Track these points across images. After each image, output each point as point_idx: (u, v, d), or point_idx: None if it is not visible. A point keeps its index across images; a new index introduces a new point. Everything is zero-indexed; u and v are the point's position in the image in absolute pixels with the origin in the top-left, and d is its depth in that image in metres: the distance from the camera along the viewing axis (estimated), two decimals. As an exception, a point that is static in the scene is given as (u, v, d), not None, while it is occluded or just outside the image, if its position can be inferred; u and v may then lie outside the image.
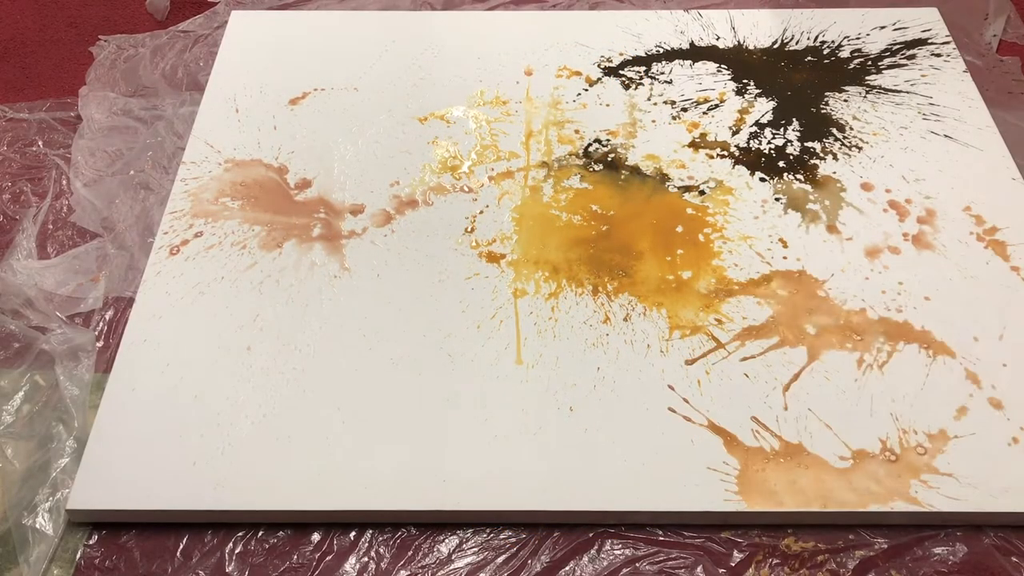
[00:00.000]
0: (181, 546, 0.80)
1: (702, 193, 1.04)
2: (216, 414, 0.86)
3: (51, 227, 1.05)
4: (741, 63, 1.20)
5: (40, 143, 1.14)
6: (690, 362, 0.90)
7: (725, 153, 1.08)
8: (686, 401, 0.87)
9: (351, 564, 0.79)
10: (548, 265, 0.98)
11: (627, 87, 1.17)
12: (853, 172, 1.06)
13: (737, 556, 0.80)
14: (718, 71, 1.19)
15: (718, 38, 1.24)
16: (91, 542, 0.81)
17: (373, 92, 1.18)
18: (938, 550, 0.80)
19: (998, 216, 1.02)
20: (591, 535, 0.81)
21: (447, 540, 0.81)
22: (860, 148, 1.09)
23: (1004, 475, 0.82)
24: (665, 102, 1.15)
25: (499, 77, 1.19)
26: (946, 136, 1.10)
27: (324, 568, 0.79)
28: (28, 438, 0.86)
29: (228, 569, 0.79)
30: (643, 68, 1.20)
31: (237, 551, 0.80)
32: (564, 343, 0.91)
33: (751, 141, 1.10)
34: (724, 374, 0.89)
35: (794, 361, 0.90)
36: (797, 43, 1.23)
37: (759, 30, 1.25)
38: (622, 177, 1.06)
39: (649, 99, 1.15)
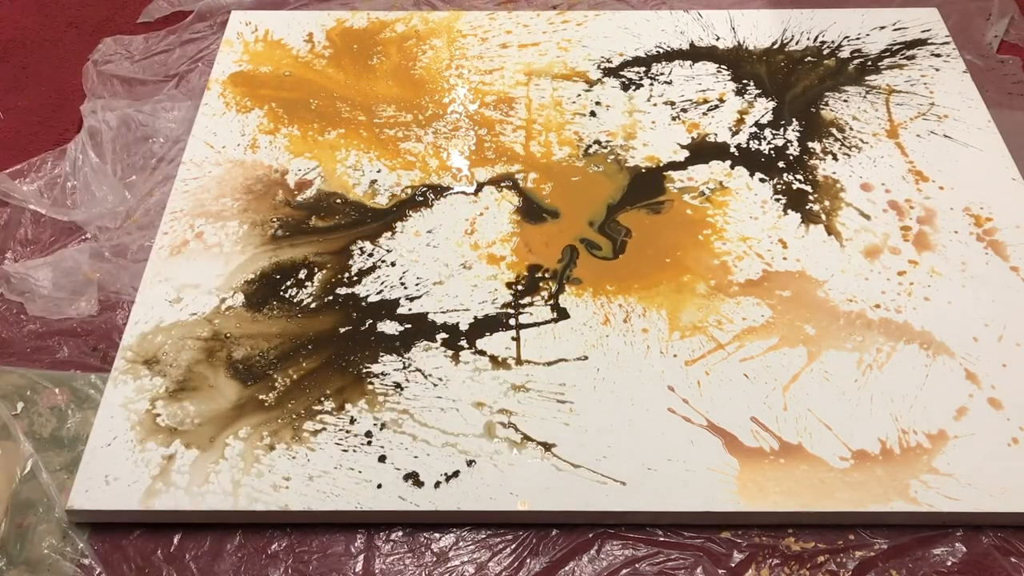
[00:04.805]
0: (179, 546, 0.81)
1: (702, 194, 1.04)
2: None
3: (50, 227, 1.05)
4: (741, 63, 1.20)
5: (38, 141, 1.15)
6: (690, 363, 0.90)
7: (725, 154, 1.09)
8: (686, 402, 0.87)
9: (351, 564, 0.80)
10: (548, 267, 0.98)
11: (627, 88, 1.17)
12: (853, 172, 1.06)
13: (737, 556, 0.80)
14: (718, 71, 1.19)
15: (718, 38, 1.24)
16: (90, 542, 0.81)
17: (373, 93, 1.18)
18: (938, 550, 0.80)
19: (998, 216, 1.02)
20: (591, 535, 0.81)
21: (447, 540, 0.81)
22: (860, 148, 1.09)
23: (1003, 475, 0.82)
24: (665, 103, 1.15)
25: (499, 78, 1.19)
26: (946, 136, 1.10)
27: (324, 568, 0.79)
28: (28, 439, 0.86)
29: (226, 569, 0.79)
30: (643, 69, 1.20)
31: (236, 551, 0.80)
32: (564, 344, 0.91)
33: (751, 141, 1.10)
34: (724, 375, 0.89)
35: (794, 361, 0.90)
36: (797, 43, 1.23)
37: (759, 30, 1.25)
38: (621, 179, 1.06)
39: (649, 99, 1.15)
